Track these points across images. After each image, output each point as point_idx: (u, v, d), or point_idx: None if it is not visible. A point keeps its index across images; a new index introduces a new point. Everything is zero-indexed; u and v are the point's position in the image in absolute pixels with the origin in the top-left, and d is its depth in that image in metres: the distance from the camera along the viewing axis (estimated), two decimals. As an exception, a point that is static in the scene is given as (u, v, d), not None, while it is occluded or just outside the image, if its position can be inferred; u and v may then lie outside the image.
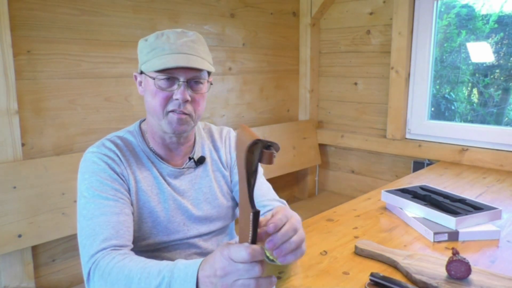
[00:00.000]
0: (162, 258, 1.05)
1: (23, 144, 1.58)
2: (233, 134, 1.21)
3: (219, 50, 2.28)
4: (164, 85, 0.97)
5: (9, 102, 1.51)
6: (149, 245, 1.03)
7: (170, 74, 0.96)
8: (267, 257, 0.75)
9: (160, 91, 0.97)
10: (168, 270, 0.75)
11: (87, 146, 1.79)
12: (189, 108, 0.98)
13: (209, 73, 1.03)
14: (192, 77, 0.98)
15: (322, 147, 2.83)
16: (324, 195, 2.84)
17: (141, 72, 1.02)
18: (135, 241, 1.01)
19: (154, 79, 0.97)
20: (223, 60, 2.31)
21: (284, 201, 1.14)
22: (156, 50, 0.96)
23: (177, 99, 0.96)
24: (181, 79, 0.96)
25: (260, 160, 0.65)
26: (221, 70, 2.31)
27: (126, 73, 1.88)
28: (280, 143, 2.53)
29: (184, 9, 2.07)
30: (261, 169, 1.17)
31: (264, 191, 1.12)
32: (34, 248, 1.64)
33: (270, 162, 0.65)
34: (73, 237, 1.76)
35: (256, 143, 0.64)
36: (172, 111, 0.97)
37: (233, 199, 1.18)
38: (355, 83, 2.63)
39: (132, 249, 1.04)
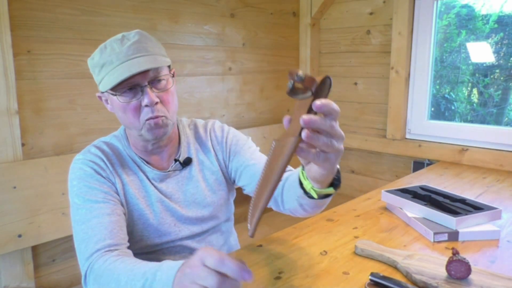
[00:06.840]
0: (158, 261, 1.05)
1: (23, 144, 1.58)
2: (218, 124, 1.18)
3: (219, 50, 2.28)
4: (129, 97, 0.94)
5: (9, 102, 1.51)
6: (142, 247, 1.03)
7: (128, 84, 0.92)
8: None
9: (127, 104, 0.94)
10: (152, 273, 0.74)
11: (87, 146, 1.81)
12: (161, 109, 0.96)
13: (170, 65, 1.00)
14: (152, 78, 0.94)
15: (322, 147, 2.83)
16: (324, 195, 2.83)
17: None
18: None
19: (115, 95, 0.94)
20: (223, 60, 2.31)
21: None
22: (105, 66, 0.93)
23: (146, 105, 0.94)
24: (142, 84, 0.93)
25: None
26: (221, 70, 2.31)
27: (126, 73, 1.88)
28: (280, 143, 2.54)
29: (184, 9, 2.07)
30: (257, 147, 1.15)
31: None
32: (34, 248, 1.64)
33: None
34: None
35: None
36: (148, 118, 0.95)
37: (228, 188, 1.15)
38: (355, 83, 2.62)
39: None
